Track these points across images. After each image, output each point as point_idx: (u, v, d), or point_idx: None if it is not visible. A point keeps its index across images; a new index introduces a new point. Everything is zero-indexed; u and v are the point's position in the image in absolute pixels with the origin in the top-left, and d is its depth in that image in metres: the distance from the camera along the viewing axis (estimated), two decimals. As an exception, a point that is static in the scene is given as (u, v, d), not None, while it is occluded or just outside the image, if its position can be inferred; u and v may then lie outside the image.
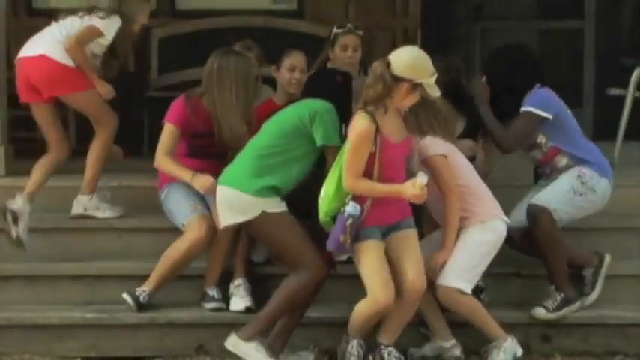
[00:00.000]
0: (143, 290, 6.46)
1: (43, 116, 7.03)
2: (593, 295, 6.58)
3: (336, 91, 6.28)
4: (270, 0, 10.22)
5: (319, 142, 6.01)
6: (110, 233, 6.95)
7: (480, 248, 6.16)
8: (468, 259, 6.12)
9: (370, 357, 6.06)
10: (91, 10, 7.08)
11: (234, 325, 6.18)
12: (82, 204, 7.01)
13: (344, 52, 7.18)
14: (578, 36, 10.77)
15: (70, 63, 6.94)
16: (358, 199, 5.79)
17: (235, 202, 6.04)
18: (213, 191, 6.23)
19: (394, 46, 9.49)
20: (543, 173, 6.66)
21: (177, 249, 6.43)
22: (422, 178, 5.68)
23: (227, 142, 6.51)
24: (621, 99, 8.23)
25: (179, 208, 6.54)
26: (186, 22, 9.66)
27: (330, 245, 5.82)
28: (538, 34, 11.06)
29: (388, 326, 6.08)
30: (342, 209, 5.79)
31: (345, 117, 6.04)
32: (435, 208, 6.21)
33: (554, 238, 6.40)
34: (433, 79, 5.84)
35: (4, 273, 6.74)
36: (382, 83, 5.75)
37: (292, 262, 6.07)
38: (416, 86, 5.81)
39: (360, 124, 5.77)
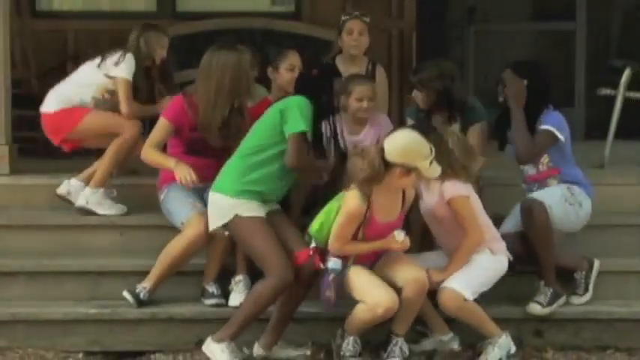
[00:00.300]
0: (143, 287, 6.46)
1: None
2: (586, 297, 6.59)
3: (313, 85, 6.33)
4: (268, 2, 10.24)
5: (285, 132, 6.08)
6: (112, 230, 6.95)
7: (488, 272, 6.20)
8: (477, 275, 6.15)
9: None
10: (103, 57, 7.13)
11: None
12: (84, 196, 6.99)
13: (350, 36, 7.29)
14: (569, 38, 10.79)
15: (59, 107, 7.07)
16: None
17: (217, 205, 6.16)
18: (192, 182, 6.33)
19: (390, 48, 9.73)
20: (529, 189, 6.67)
21: (176, 246, 6.43)
22: (398, 235, 5.95)
23: (202, 130, 6.53)
24: (611, 99, 8.26)
25: (178, 207, 6.54)
26: (186, 23, 9.66)
27: (323, 302, 6.01)
28: (531, 36, 11.09)
29: (400, 319, 6.11)
30: (325, 265, 5.97)
31: (324, 110, 6.19)
32: (446, 241, 6.27)
33: (547, 233, 6.42)
34: (428, 162, 5.90)
35: (8, 269, 6.74)
36: (374, 168, 5.85)
37: (262, 267, 6.08)
38: (410, 169, 5.89)
39: (352, 202, 5.92)
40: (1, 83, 7.41)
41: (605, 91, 8.41)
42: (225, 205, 6.11)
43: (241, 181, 6.11)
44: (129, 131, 6.99)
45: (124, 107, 7.05)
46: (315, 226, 6.09)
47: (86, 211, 6.98)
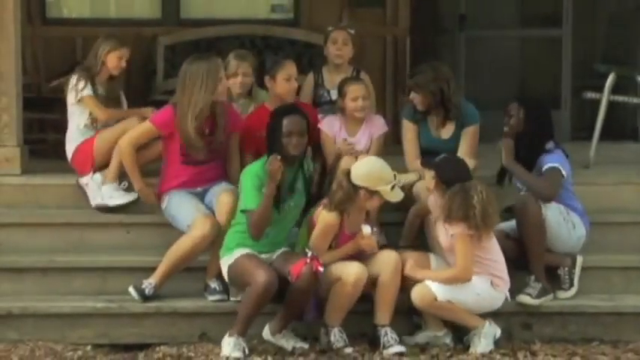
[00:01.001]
0: (149, 283, 6.45)
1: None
2: (572, 291, 6.59)
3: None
4: (268, 10, 10.22)
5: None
6: (119, 228, 6.93)
7: (477, 297, 6.19)
8: (464, 292, 6.14)
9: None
10: (66, 86, 7.17)
11: (234, 313, 6.18)
12: (98, 194, 6.99)
13: (334, 45, 7.37)
14: (556, 44, 10.80)
15: (74, 146, 7.11)
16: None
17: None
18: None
19: (385, 53, 9.73)
20: (523, 188, 6.67)
21: (182, 246, 6.42)
22: (365, 229, 6.20)
23: (185, 144, 6.53)
24: (596, 102, 8.26)
25: (182, 211, 6.54)
26: (190, 30, 9.66)
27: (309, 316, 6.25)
28: (519, 42, 11.09)
29: (381, 308, 6.20)
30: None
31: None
32: (448, 257, 6.28)
33: (540, 229, 6.42)
34: (389, 187, 6.14)
35: (20, 265, 6.73)
36: (342, 190, 6.12)
37: (249, 282, 6.07)
38: (374, 193, 6.12)
39: (327, 218, 6.14)
40: (12, 87, 7.38)
41: (591, 95, 8.41)
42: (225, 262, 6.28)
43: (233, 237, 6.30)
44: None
45: (99, 115, 7.04)
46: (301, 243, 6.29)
47: (102, 207, 6.96)
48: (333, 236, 6.22)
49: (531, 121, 6.63)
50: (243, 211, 6.17)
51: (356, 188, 6.13)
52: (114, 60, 7.15)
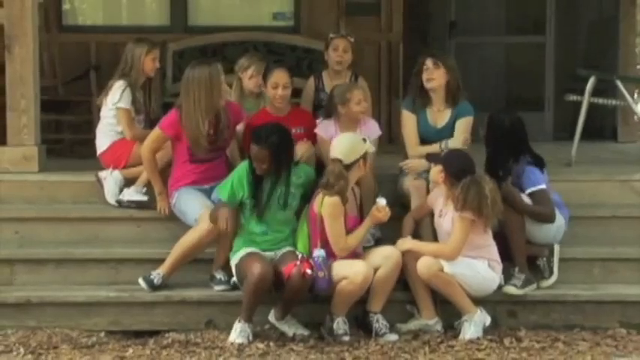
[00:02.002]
0: (157, 273, 6.45)
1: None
2: (552, 279, 6.58)
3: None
4: (270, 17, 10.21)
5: None
6: (130, 222, 6.92)
7: (477, 275, 6.21)
8: (467, 267, 6.16)
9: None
10: (105, 91, 7.10)
11: (239, 302, 6.19)
12: (113, 190, 6.98)
13: (335, 52, 7.35)
14: (540, 49, 10.81)
15: (106, 145, 7.06)
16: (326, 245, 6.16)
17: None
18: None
19: (380, 58, 9.72)
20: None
21: (189, 239, 6.42)
22: (380, 201, 6.18)
23: (190, 143, 6.55)
24: (577, 104, 8.25)
25: (190, 207, 6.54)
26: (197, 37, 9.66)
27: (319, 286, 6.08)
28: (505, 48, 11.09)
29: (376, 297, 6.22)
30: (313, 255, 6.13)
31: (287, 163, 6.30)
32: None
33: (520, 223, 6.41)
34: (366, 144, 6.29)
35: (37, 257, 6.73)
36: (334, 173, 6.13)
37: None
38: (365, 156, 6.24)
39: (331, 202, 6.09)
40: (31, 91, 7.37)
41: (572, 97, 8.40)
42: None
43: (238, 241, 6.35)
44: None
45: (126, 132, 7.02)
46: (300, 247, 6.27)
47: (120, 202, 6.96)
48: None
49: (497, 138, 6.62)
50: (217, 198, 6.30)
51: (347, 167, 6.18)
52: (149, 62, 7.12)
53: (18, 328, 6.38)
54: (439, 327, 6.31)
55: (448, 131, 6.80)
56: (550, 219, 6.51)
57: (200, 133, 6.49)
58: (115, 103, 6.97)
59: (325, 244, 6.18)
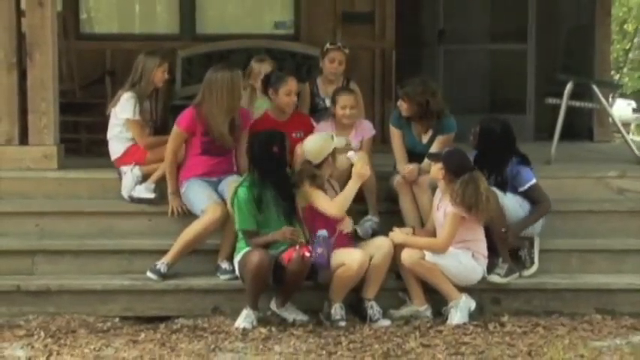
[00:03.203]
0: (162, 262, 6.44)
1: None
2: (533, 269, 6.59)
3: (273, 157, 6.29)
4: (272, 26, 10.21)
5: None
6: (142, 216, 6.91)
7: (459, 265, 6.21)
8: (448, 258, 6.16)
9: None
10: (113, 101, 7.04)
11: (242, 290, 6.19)
12: (130, 185, 6.93)
13: (331, 64, 7.33)
14: (522, 56, 10.80)
15: (120, 151, 6.98)
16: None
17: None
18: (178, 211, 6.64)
19: (374, 64, 9.71)
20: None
21: (194, 228, 6.42)
22: (350, 155, 6.30)
23: (216, 139, 6.55)
24: (557, 107, 8.26)
25: (197, 198, 6.53)
26: (204, 44, 9.64)
27: (318, 264, 6.06)
28: (490, 54, 11.08)
29: (370, 284, 6.22)
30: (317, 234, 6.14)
31: (280, 173, 6.27)
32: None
33: (502, 217, 6.40)
34: (333, 141, 6.32)
35: (57, 248, 6.72)
36: (306, 172, 6.25)
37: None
38: (332, 155, 6.31)
39: (313, 191, 6.25)
40: (51, 94, 7.35)
41: (552, 100, 8.40)
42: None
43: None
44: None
45: (139, 141, 6.98)
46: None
47: (132, 198, 6.92)
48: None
49: (489, 144, 6.59)
50: (240, 230, 6.21)
51: (318, 166, 6.26)
52: (160, 74, 7.07)
53: (39, 313, 6.37)
54: (429, 313, 6.31)
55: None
56: (548, 209, 6.56)
57: (223, 131, 6.54)
58: (124, 116, 6.92)
59: (325, 225, 6.18)
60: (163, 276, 6.42)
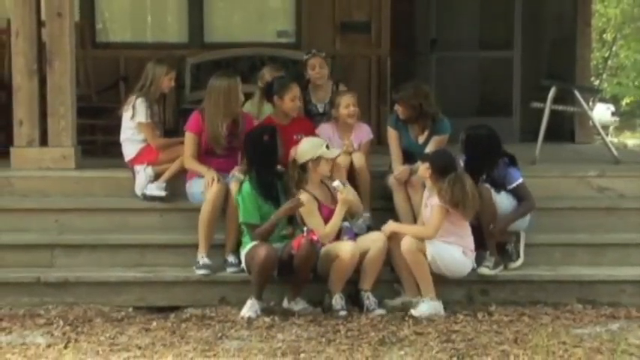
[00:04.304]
0: (201, 256, 6.44)
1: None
2: (519, 262, 6.59)
3: (265, 146, 6.31)
4: (275, 35, 10.19)
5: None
6: (154, 213, 6.90)
7: (452, 258, 6.20)
8: (445, 251, 6.16)
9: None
10: (125, 105, 7.03)
11: (248, 282, 6.19)
12: (144, 183, 6.92)
13: (313, 71, 7.34)
14: (508, 63, 10.78)
15: (134, 152, 6.96)
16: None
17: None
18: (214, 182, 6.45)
19: (370, 70, 9.71)
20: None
21: (205, 209, 6.43)
22: (337, 185, 6.19)
23: (209, 140, 6.59)
24: (541, 111, 8.24)
25: (196, 186, 6.62)
26: (212, 51, 9.63)
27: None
28: (479, 62, 11.07)
29: (367, 276, 6.22)
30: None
31: (274, 161, 6.30)
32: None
33: (493, 211, 6.41)
34: (324, 147, 6.27)
35: (74, 242, 6.73)
36: (293, 175, 6.27)
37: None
38: (318, 159, 6.24)
39: (304, 197, 6.17)
40: (69, 98, 7.35)
41: (536, 105, 8.39)
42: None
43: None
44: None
45: (151, 142, 6.98)
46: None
47: (144, 195, 6.91)
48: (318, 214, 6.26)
49: (476, 152, 6.58)
50: (243, 223, 6.20)
51: (303, 167, 6.24)
52: (167, 81, 7.07)
53: (58, 303, 6.38)
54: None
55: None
56: (533, 208, 6.55)
57: (219, 133, 6.57)
58: (136, 119, 6.92)
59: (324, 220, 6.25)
60: (210, 266, 6.39)
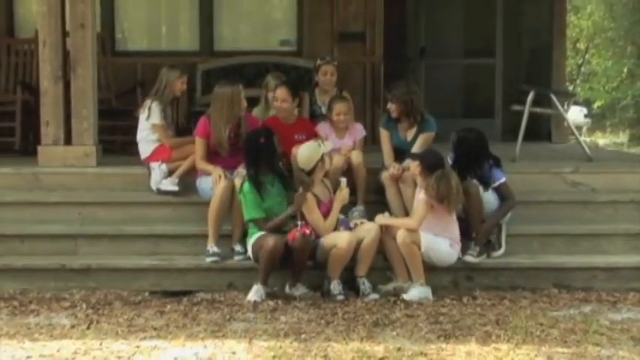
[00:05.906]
0: (210, 246, 6.42)
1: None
2: (501, 251, 6.59)
3: (261, 148, 6.27)
4: (278, 43, 10.17)
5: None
6: (168, 206, 6.89)
7: (440, 249, 6.18)
8: (437, 243, 6.15)
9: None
10: (142, 107, 7.01)
11: (254, 269, 6.17)
12: (158, 179, 6.88)
13: (324, 77, 7.30)
14: (491, 69, 10.77)
15: (149, 151, 6.94)
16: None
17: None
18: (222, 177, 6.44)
19: (364, 76, 9.69)
20: None
21: (214, 202, 6.42)
22: (342, 181, 6.25)
23: (216, 142, 6.59)
24: (520, 113, 8.23)
25: (205, 182, 6.62)
26: (221, 59, 9.61)
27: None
28: (464, 68, 11.05)
29: (362, 263, 6.22)
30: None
31: (272, 161, 6.24)
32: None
33: (479, 205, 6.42)
34: (321, 147, 6.27)
35: (96, 232, 6.72)
36: (302, 179, 6.26)
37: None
38: (322, 161, 6.26)
39: (310, 206, 6.18)
40: (90, 102, 7.33)
41: (516, 107, 8.37)
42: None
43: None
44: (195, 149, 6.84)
45: (164, 141, 6.96)
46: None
47: (159, 190, 6.88)
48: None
49: (465, 152, 6.57)
50: (249, 221, 6.18)
51: (310, 172, 6.25)
52: (179, 85, 7.06)
53: (81, 288, 6.37)
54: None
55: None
56: (515, 205, 6.56)
57: (222, 138, 6.58)
58: (151, 121, 6.92)
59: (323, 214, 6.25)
60: (219, 254, 6.37)
